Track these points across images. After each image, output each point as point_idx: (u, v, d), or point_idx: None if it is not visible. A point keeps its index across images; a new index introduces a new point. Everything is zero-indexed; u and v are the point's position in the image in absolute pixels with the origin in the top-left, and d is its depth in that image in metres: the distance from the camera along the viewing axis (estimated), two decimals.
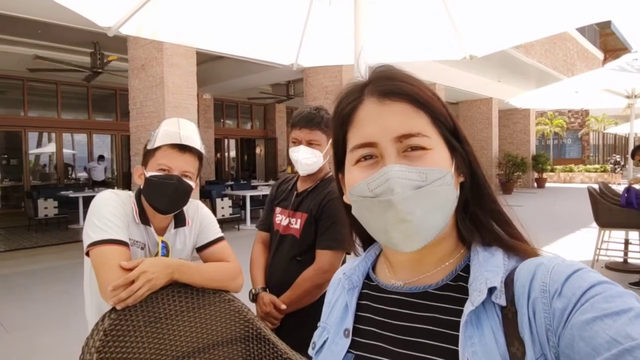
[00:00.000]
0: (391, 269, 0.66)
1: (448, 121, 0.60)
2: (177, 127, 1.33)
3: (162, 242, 1.35)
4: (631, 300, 0.45)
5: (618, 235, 5.86)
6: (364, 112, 0.59)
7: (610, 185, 6.29)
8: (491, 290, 0.53)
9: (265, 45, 2.51)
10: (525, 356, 0.47)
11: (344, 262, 1.65)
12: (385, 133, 0.57)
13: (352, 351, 0.62)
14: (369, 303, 0.65)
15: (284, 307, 1.56)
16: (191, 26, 2.25)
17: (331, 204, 1.58)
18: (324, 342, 0.66)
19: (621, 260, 5.79)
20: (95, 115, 12.92)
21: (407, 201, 0.53)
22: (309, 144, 1.61)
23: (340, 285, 0.70)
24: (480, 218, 0.61)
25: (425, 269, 0.62)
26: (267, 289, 1.67)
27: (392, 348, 0.58)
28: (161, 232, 1.39)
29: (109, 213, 1.25)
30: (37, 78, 11.12)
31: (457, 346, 0.52)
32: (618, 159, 21.86)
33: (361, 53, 1.61)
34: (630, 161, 5.45)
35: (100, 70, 8.83)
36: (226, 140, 16.78)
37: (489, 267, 0.55)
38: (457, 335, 0.53)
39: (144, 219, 1.35)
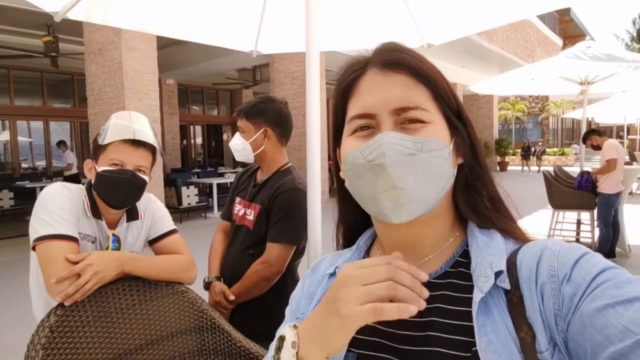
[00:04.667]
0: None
1: (451, 100, 0.59)
2: (130, 121, 1.30)
3: (113, 235, 1.33)
4: None
5: (571, 215, 6.18)
6: (366, 83, 0.58)
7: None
8: (496, 275, 0.51)
9: (224, 31, 2.45)
10: (537, 341, 0.46)
11: (299, 254, 1.65)
12: (384, 105, 0.56)
13: (353, 350, 0.57)
14: None
15: (232, 297, 1.57)
16: (145, 11, 2.17)
17: (283, 196, 1.58)
18: None
19: (574, 239, 6.11)
20: (51, 101, 12.32)
21: (399, 166, 0.52)
22: (239, 131, 1.70)
23: (330, 280, 0.65)
24: (477, 200, 0.59)
25: (421, 254, 0.59)
26: (222, 279, 1.68)
27: (395, 345, 0.56)
28: (113, 225, 1.37)
29: (57, 207, 1.21)
30: None
31: (467, 336, 0.50)
32: (529, 144, 19.43)
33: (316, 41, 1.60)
34: (582, 146, 5.72)
35: (54, 55, 8.41)
36: (192, 127, 16.41)
37: (490, 251, 0.54)
38: (465, 325, 0.51)
39: (96, 213, 1.32)
